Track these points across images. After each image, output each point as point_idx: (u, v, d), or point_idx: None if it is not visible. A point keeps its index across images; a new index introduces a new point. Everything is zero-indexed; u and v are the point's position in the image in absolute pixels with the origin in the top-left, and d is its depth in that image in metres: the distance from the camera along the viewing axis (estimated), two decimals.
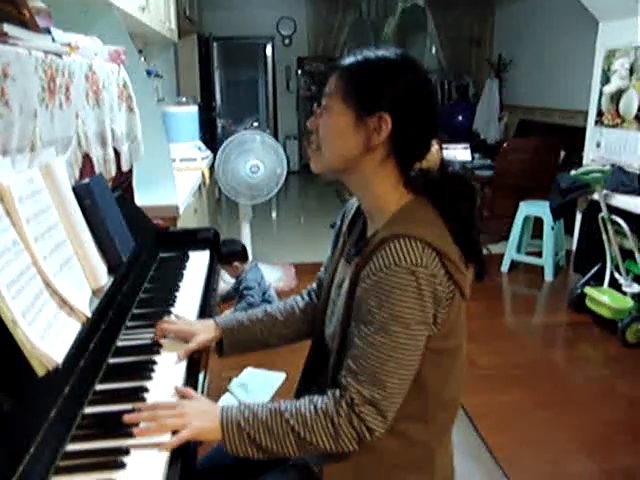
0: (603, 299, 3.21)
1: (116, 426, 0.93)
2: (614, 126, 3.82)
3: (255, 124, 7.60)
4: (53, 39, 1.27)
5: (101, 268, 1.22)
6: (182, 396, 1.06)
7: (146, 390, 1.05)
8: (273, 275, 4.05)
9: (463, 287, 1.00)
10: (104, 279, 1.21)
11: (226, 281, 3.92)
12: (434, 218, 1.01)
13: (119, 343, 1.23)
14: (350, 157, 1.02)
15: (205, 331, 1.26)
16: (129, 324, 1.32)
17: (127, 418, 0.94)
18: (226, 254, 3.21)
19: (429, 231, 0.96)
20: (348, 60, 1.03)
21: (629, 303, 3.15)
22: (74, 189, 1.22)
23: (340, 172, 1.07)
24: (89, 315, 1.08)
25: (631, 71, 3.65)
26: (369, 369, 0.95)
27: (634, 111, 3.62)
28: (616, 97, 3.78)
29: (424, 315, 0.95)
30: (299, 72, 8.26)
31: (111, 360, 1.16)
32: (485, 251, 1.18)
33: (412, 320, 0.94)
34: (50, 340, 0.91)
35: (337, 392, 0.98)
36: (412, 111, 1.01)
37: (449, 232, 1.00)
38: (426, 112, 1.03)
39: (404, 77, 1.01)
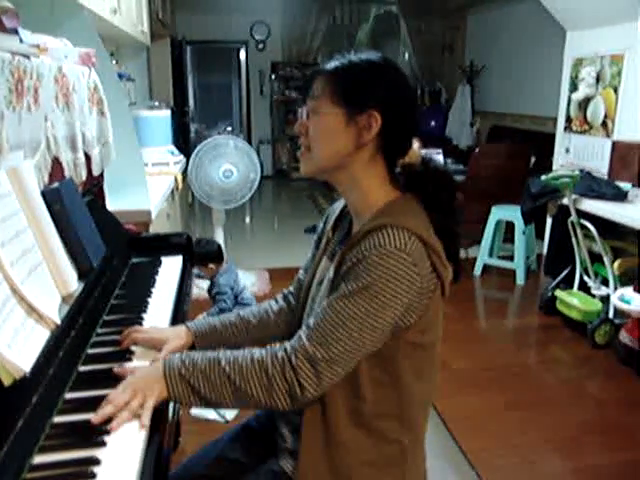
0: (573, 302, 3.26)
1: (87, 435, 0.91)
2: (582, 132, 3.90)
3: (229, 129, 7.56)
4: (21, 40, 1.25)
5: (71, 274, 1.20)
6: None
7: None
8: (247, 280, 4.02)
9: (445, 282, 1.02)
10: (74, 285, 1.19)
11: (199, 286, 3.89)
12: (420, 212, 1.04)
13: (90, 350, 1.20)
14: (342, 155, 1.05)
15: (176, 338, 1.24)
16: (100, 331, 1.30)
17: (95, 419, 0.93)
18: (201, 255, 3.15)
19: (415, 223, 0.99)
20: (333, 64, 1.07)
21: (598, 305, 3.21)
22: (43, 194, 1.20)
23: (330, 172, 1.09)
24: (58, 322, 1.06)
25: (597, 79, 3.73)
26: (321, 328, 0.97)
27: (601, 118, 3.71)
28: (584, 104, 3.86)
29: (393, 300, 0.96)
30: (273, 77, 8.26)
31: (81, 368, 1.13)
32: (462, 253, 1.20)
33: (377, 300, 0.95)
34: (17, 348, 0.88)
35: (276, 346, 1.01)
36: (398, 107, 1.05)
37: (433, 227, 1.03)
38: (410, 109, 1.08)
39: (388, 76, 1.06)
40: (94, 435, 0.91)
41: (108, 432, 0.92)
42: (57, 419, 0.96)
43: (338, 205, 1.24)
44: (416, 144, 1.10)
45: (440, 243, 1.02)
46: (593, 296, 3.28)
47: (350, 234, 1.13)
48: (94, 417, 0.93)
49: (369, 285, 0.95)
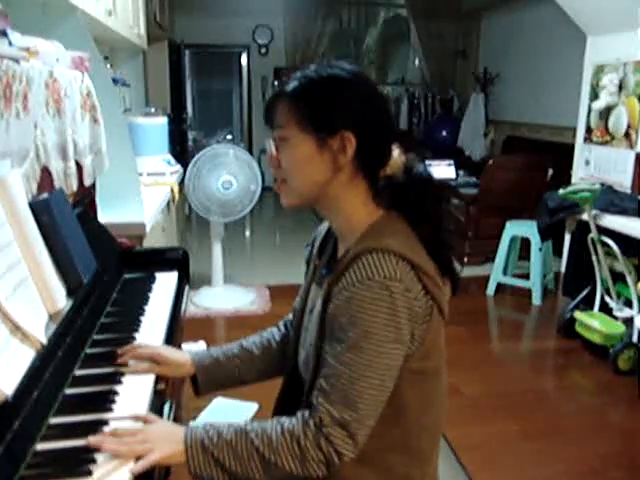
0: (593, 324, 3.23)
1: (71, 464, 0.90)
2: (603, 143, 3.89)
3: (228, 137, 7.58)
4: (10, 43, 1.26)
5: (59, 290, 1.19)
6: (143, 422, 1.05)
7: (106, 423, 1.03)
8: (246, 298, 4.02)
9: (441, 303, 1.02)
10: (62, 302, 1.19)
11: (195, 303, 3.88)
12: (406, 231, 1.04)
13: (77, 372, 1.20)
14: (320, 183, 1.05)
15: (180, 366, 1.26)
16: (89, 351, 1.29)
17: (92, 440, 0.94)
18: None
19: (402, 244, 0.99)
20: (292, 85, 1.05)
21: (621, 328, 3.18)
22: (31, 205, 1.20)
23: (312, 201, 1.09)
24: (44, 342, 1.06)
25: (620, 87, 3.73)
26: (340, 388, 0.96)
27: (624, 128, 3.70)
28: (605, 114, 3.86)
29: (398, 333, 0.95)
30: (276, 83, 8.30)
31: (68, 391, 1.13)
32: (458, 267, 1.20)
33: (385, 338, 0.95)
34: None
35: (306, 413, 0.99)
36: (371, 123, 1.04)
37: (421, 242, 1.03)
38: (384, 120, 1.07)
39: (355, 90, 1.04)
40: (79, 464, 0.90)
41: (95, 461, 0.91)
42: (40, 446, 0.95)
43: (323, 227, 1.25)
44: (396, 151, 1.09)
45: (431, 262, 1.01)
46: (615, 318, 3.25)
47: (335, 257, 1.14)
48: (91, 438, 0.94)
49: (371, 326, 0.94)
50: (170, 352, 1.29)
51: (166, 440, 0.98)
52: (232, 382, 1.31)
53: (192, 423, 1.05)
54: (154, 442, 0.97)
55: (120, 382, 1.17)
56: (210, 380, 1.29)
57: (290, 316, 1.35)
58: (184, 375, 1.28)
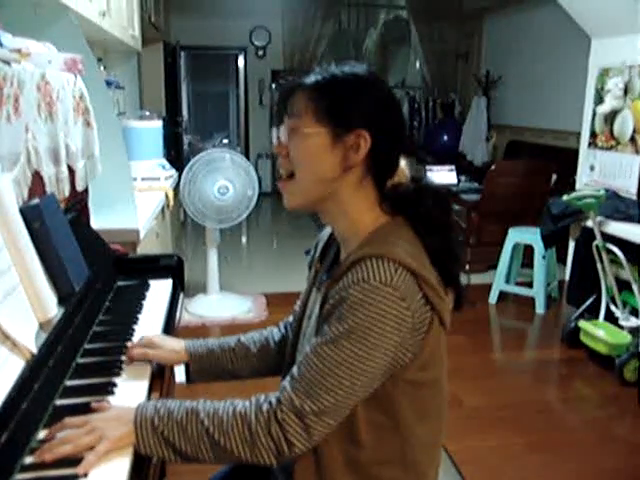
0: (599, 334, 3.23)
1: (62, 478, 0.90)
2: (608, 148, 3.90)
3: (225, 141, 7.63)
4: (1, 44, 1.26)
5: (50, 298, 1.19)
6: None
7: None
8: (242, 306, 4.01)
9: (442, 313, 1.01)
10: (53, 311, 1.18)
11: (190, 312, 3.88)
12: (411, 239, 1.04)
13: (68, 382, 1.19)
14: (329, 180, 1.04)
15: (173, 351, 1.29)
16: (80, 361, 1.29)
17: (38, 454, 0.93)
18: None
19: (405, 251, 0.98)
20: (313, 78, 1.06)
21: (627, 338, 3.18)
22: (22, 210, 1.20)
23: (317, 202, 1.09)
24: (35, 351, 1.05)
25: (625, 91, 3.74)
26: (308, 379, 0.96)
27: (629, 133, 3.70)
28: (610, 118, 3.87)
29: (381, 340, 0.95)
30: (273, 86, 8.32)
31: (59, 401, 1.12)
32: (464, 279, 1.21)
33: (366, 342, 0.94)
34: None
35: (261, 397, 0.99)
36: (386, 127, 1.06)
37: (427, 252, 1.03)
38: (398, 125, 1.09)
39: (376, 91, 1.07)
40: (70, 478, 0.89)
41: (86, 475, 0.90)
42: (29, 460, 0.94)
43: (326, 232, 1.25)
44: (403, 162, 1.11)
45: (434, 271, 1.01)
46: (621, 327, 3.25)
47: (337, 262, 1.14)
48: (38, 452, 0.93)
49: (354, 327, 0.94)
50: (164, 338, 1.32)
51: (114, 424, 0.98)
52: (224, 374, 1.32)
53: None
54: (102, 429, 0.96)
55: (112, 392, 1.16)
56: (202, 369, 1.30)
57: (291, 318, 1.35)
58: (177, 361, 1.29)
